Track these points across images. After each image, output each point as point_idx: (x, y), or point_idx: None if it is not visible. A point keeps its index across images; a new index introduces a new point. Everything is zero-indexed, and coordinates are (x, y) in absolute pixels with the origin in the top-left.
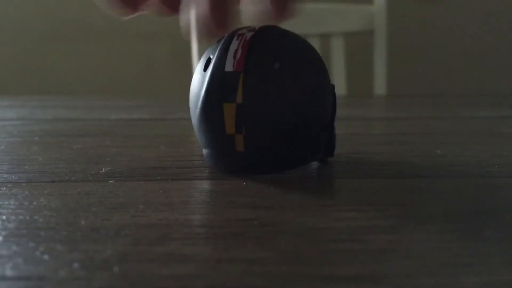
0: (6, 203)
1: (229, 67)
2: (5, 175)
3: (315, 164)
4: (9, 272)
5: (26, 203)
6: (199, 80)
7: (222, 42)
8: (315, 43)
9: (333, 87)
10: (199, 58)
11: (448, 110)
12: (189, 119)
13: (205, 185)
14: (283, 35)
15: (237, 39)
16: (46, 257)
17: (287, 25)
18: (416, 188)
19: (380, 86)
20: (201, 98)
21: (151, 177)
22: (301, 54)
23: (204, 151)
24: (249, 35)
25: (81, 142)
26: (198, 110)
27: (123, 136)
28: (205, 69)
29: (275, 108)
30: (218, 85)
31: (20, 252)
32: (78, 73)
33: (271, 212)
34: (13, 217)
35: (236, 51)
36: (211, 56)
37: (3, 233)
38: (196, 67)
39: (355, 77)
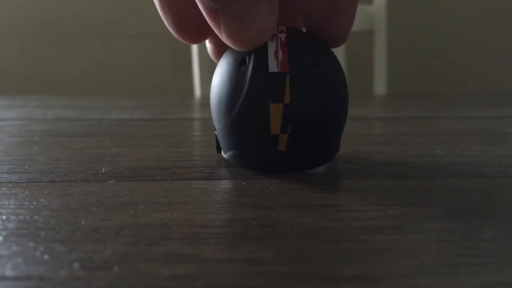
0: (6, 203)
1: (273, 67)
2: (5, 175)
3: None
4: (9, 272)
5: (26, 203)
6: (234, 80)
7: None
8: None
9: None
10: (200, 58)
11: (448, 110)
12: (189, 119)
13: (205, 185)
14: (309, 37)
15: (272, 40)
16: (46, 257)
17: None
18: (416, 188)
19: (380, 86)
20: (241, 98)
21: (151, 177)
22: (331, 56)
23: (230, 153)
24: (282, 36)
25: (81, 142)
26: (237, 110)
27: (123, 136)
28: (240, 69)
29: (318, 108)
30: (264, 86)
31: (20, 252)
32: (78, 73)
33: (271, 212)
34: (13, 217)
35: (276, 52)
36: (246, 57)
37: (3, 233)
38: (221, 67)
39: (355, 77)
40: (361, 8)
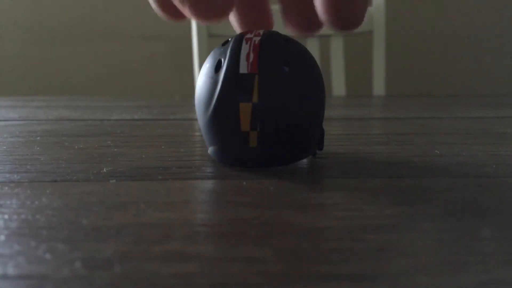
0: (8, 202)
1: (243, 69)
2: (7, 175)
3: (314, 164)
4: (11, 271)
5: (28, 203)
6: (210, 81)
7: (231, 45)
8: (315, 44)
9: None
10: (200, 59)
11: (446, 110)
12: (190, 119)
13: (205, 184)
14: (286, 40)
15: (246, 43)
16: (47, 256)
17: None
18: (415, 188)
19: (379, 86)
20: (215, 98)
21: (152, 177)
22: (304, 57)
23: (211, 148)
24: (256, 39)
25: (83, 142)
26: (211, 109)
27: (124, 136)
28: (216, 71)
29: (286, 107)
30: (234, 86)
31: (22, 251)
32: (80, 73)
33: (271, 211)
34: (15, 217)
35: (248, 54)
36: (222, 59)
37: (5, 232)
38: (203, 69)
39: (354, 77)
40: None
